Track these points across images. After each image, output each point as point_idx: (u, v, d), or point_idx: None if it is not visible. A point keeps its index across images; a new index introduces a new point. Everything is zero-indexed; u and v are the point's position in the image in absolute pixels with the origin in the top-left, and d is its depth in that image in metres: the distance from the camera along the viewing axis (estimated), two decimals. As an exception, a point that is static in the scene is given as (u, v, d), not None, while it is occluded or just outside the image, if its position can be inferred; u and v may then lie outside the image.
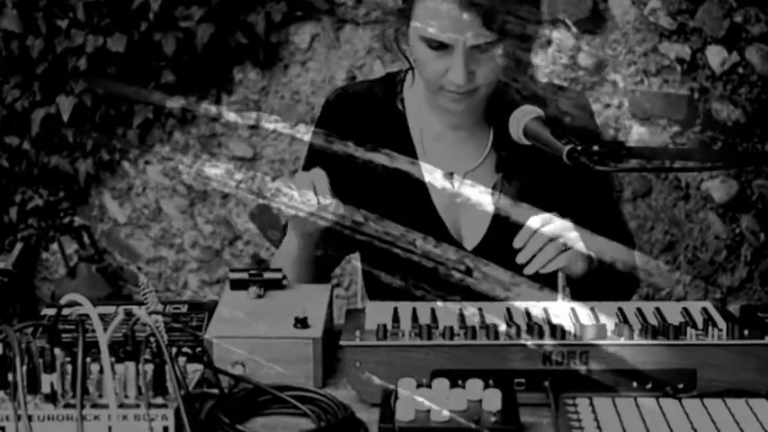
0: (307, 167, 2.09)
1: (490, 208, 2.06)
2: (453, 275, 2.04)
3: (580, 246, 1.90)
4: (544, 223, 1.86)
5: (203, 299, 3.66)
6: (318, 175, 1.92)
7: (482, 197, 2.06)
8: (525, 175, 2.07)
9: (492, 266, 2.00)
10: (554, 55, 3.44)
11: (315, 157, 2.11)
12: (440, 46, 1.92)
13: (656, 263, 3.54)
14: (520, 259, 1.86)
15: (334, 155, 2.07)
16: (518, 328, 1.64)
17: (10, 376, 1.46)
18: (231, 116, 3.61)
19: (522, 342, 1.62)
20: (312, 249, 2.05)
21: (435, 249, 1.85)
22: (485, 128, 2.10)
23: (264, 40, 3.54)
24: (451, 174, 2.08)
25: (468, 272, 2.03)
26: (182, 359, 1.57)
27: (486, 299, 1.95)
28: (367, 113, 2.11)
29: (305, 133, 3.57)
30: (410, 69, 2.09)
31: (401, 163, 2.05)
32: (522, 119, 1.94)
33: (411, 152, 2.09)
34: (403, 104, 2.11)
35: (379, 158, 2.03)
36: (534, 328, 1.64)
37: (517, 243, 1.86)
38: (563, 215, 1.91)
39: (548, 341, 1.62)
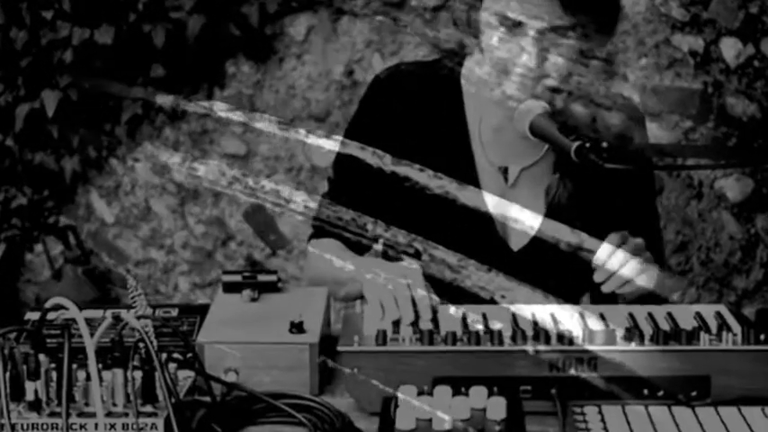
0: (339, 164, 2.09)
1: (541, 210, 2.05)
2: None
3: (654, 269, 1.91)
4: (621, 242, 1.87)
5: (195, 302, 3.64)
6: (416, 275, 1.83)
7: (535, 200, 2.06)
8: (581, 178, 2.05)
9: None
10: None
11: (347, 159, 2.08)
12: (513, 25, 1.90)
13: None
14: (597, 278, 1.87)
15: (377, 146, 2.04)
16: (523, 333, 1.62)
17: (-8, 383, 1.44)
18: (223, 109, 3.59)
19: (527, 349, 1.60)
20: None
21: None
22: None
23: (259, 31, 3.51)
24: (506, 169, 2.06)
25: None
26: (172, 365, 1.56)
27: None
28: (421, 94, 2.07)
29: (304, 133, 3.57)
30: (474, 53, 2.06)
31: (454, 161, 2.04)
32: (528, 115, 1.91)
33: (465, 138, 2.07)
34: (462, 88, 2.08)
35: (415, 174, 2.02)
36: (541, 334, 1.61)
37: (597, 260, 1.87)
38: (607, 226, 1.93)
39: (555, 347, 1.60)
